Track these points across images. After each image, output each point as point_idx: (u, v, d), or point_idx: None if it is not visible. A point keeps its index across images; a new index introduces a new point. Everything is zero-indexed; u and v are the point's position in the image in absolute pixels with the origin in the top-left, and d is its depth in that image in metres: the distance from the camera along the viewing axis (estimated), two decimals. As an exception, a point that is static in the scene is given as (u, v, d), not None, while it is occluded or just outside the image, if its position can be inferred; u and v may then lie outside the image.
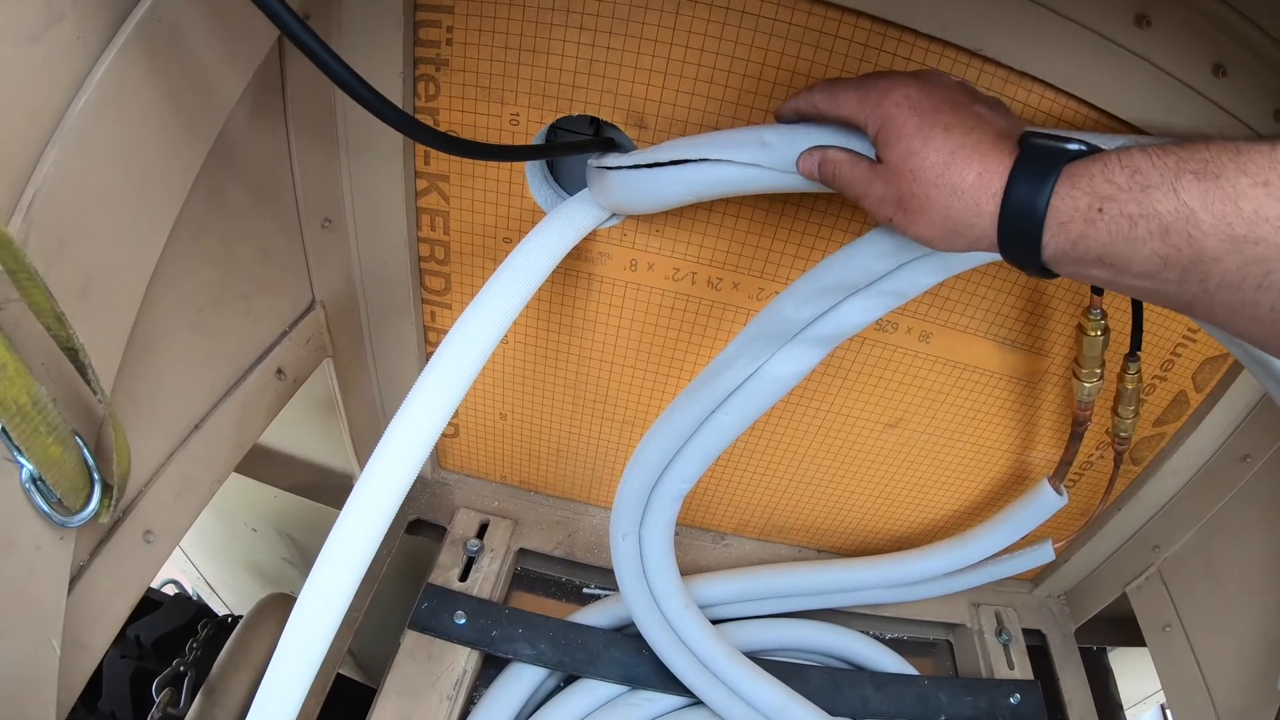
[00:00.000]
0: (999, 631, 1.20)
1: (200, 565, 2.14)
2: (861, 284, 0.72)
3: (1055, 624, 1.25)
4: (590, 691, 1.04)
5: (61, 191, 0.52)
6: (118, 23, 0.52)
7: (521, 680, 1.03)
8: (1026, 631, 1.22)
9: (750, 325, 0.79)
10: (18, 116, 0.48)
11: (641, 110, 0.80)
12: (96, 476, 0.61)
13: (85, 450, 0.60)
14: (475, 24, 0.77)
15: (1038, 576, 1.28)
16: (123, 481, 0.63)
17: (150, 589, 1.65)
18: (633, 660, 1.06)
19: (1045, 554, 1.08)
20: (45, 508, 0.56)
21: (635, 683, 1.05)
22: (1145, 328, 0.90)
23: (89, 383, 0.57)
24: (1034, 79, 0.72)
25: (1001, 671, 1.16)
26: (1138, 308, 0.81)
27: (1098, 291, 0.80)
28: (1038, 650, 1.23)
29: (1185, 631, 1.07)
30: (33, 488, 0.55)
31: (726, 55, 0.75)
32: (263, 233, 0.82)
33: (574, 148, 0.80)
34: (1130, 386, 0.87)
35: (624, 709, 1.03)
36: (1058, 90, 0.72)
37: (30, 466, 0.54)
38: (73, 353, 0.56)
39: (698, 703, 1.04)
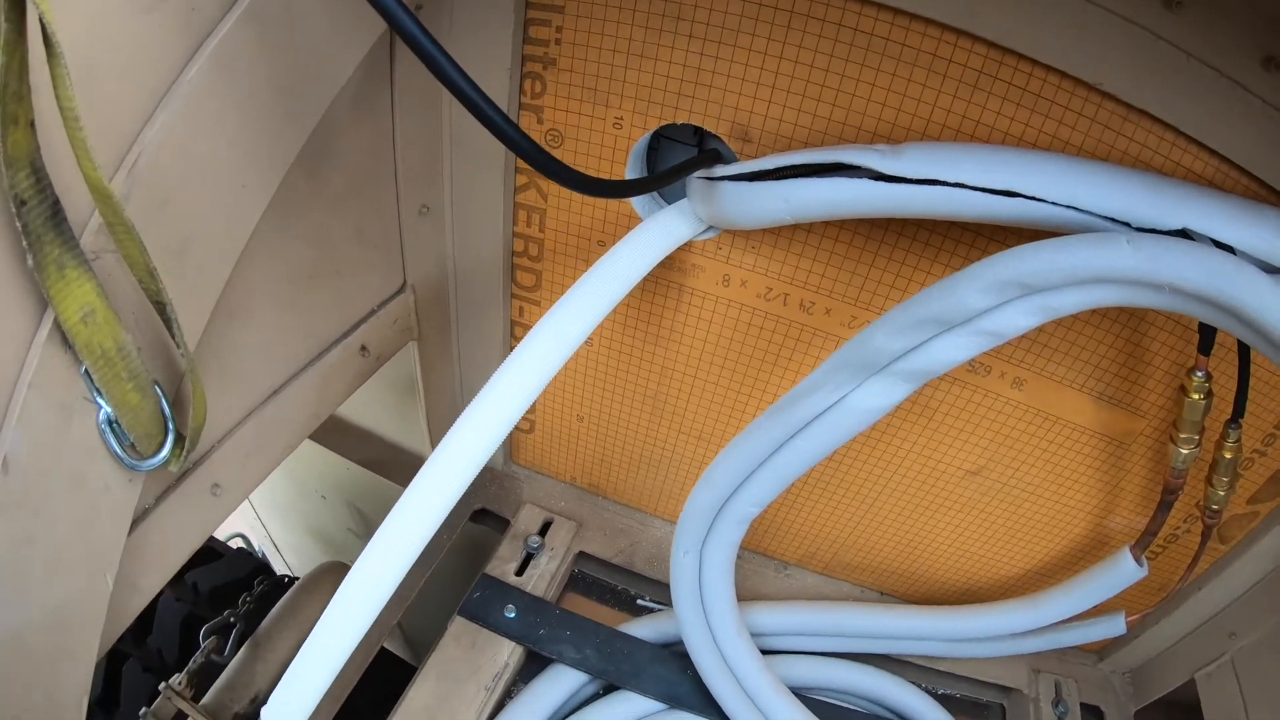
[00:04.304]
0: (1055, 702, 1.12)
1: (268, 524, 2.25)
2: (957, 320, 0.68)
3: (1116, 702, 1.16)
4: (628, 703, 1.02)
5: (166, 154, 0.55)
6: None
7: (561, 682, 1.03)
8: (1085, 707, 1.14)
9: (838, 353, 0.77)
10: (130, 81, 0.51)
11: (746, 123, 0.79)
12: (171, 426, 0.64)
13: (164, 400, 0.63)
14: (585, 25, 0.78)
15: (1104, 649, 1.19)
16: (196, 434, 0.66)
17: (214, 540, 1.77)
18: (676, 679, 1.04)
19: (1117, 626, 1.01)
20: (118, 449, 0.60)
21: (675, 702, 1.03)
22: (1252, 399, 0.82)
23: (174, 337, 0.60)
24: (1152, 118, 0.67)
25: (1051, 744, 1.08)
26: (1244, 370, 0.74)
27: (1204, 351, 0.73)
28: (1093, 728, 1.15)
29: (1250, 731, 0.96)
30: (108, 429, 0.59)
31: (836, 73, 0.73)
32: (359, 214, 0.85)
33: (679, 171, 0.79)
34: (1229, 455, 0.80)
35: (660, 727, 1.01)
36: (1176, 132, 0.67)
37: (108, 409, 0.58)
38: (161, 306, 0.59)
39: (734, 731, 1.00)
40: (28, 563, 0.57)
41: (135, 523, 0.67)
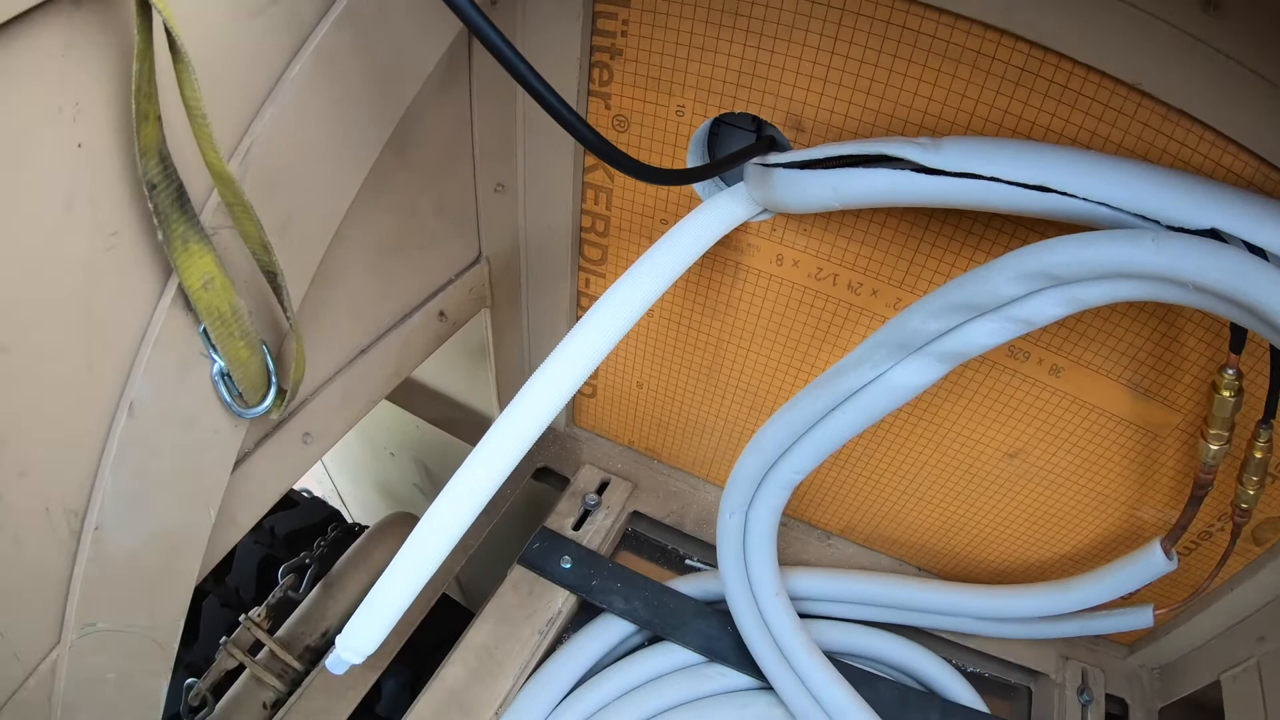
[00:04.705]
0: (1081, 690, 1.13)
1: (337, 479, 2.37)
2: (989, 306, 0.71)
3: (1141, 696, 1.16)
4: (670, 654, 1.08)
5: (274, 143, 0.63)
6: (329, 2, 0.62)
7: (610, 631, 1.10)
8: (1111, 698, 1.15)
9: (879, 332, 0.80)
10: (241, 78, 0.58)
11: (800, 114, 0.82)
12: (274, 380, 0.73)
13: (269, 357, 0.72)
14: (649, 19, 0.83)
15: (1135, 643, 1.19)
16: (295, 387, 0.75)
17: (292, 489, 1.88)
18: (717, 634, 1.09)
19: (1144, 618, 1.01)
20: (228, 398, 0.69)
21: (714, 655, 1.08)
22: None
23: (281, 303, 0.69)
24: (1192, 119, 0.67)
25: (1073, 731, 1.10)
26: (1277, 370, 0.74)
27: (1235, 349, 0.73)
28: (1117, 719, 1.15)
29: (1270, 737, 0.96)
30: (220, 381, 0.68)
31: (885, 68, 0.76)
32: (441, 191, 0.92)
33: (736, 158, 0.83)
34: (1259, 455, 0.80)
35: (698, 678, 1.07)
36: (1216, 133, 0.67)
37: (222, 363, 0.67)
38: (272, 276, 0.67)
39: (768, 688, 1.06)
40: (145, 493, 0.65)
41: (237, 464, 0.76)
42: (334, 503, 2.42)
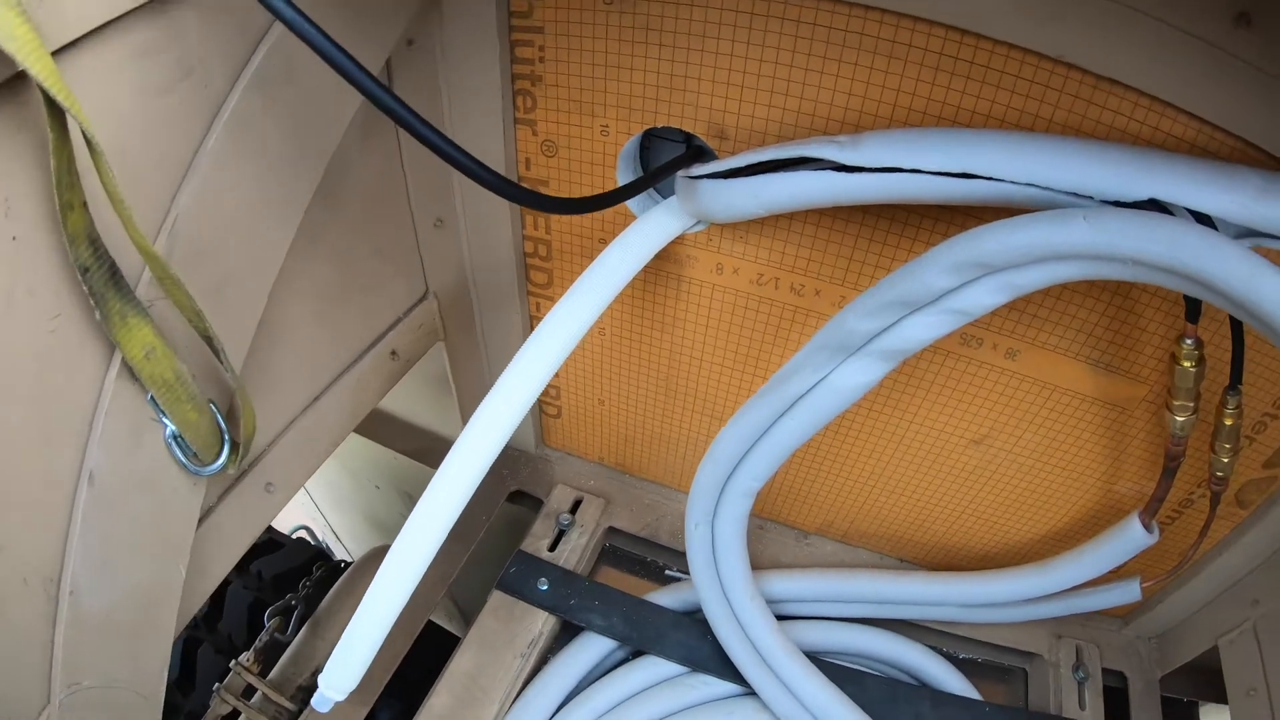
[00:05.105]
0: (1076, 667, 1.13)
1: (329, 515, 2.41)
2: (925, 300, 0.71)
3: (1140, 667, 1.16)
4: (653, 668, 1.09)
5: (198, 213, 0.64)
6: (238, 70, 0.62)
7: (591, 649, 1.10)
8: (1110, 672, 1.15)
9: (817, 335, 0.80)
10: (158, 156, 0.59)
11: (722, 122, 0.83)
12: (226, 436, 0.74)
13: (218, 415, 0.73)
14: (565, 43, 0.84)
15: (1129, 615, 1.20)
16: (248, 441, 0.76)
17: (276, 532, 1.91)
18: (697, 644, 1.10)
19: (1132, 592, 1.01)
20: (183, 459, 0.70)
21: (696, 665, 1.09)
22: (1259, 362, 0.82)
23: (222, 363, 0.70)
24: (1124, 86, 0.66)
25: (1071, 710, 1.10)
26: (1238, 338, 0.74)
27: (1192, 318, 0.73)
28: (1118, 693, 1.15)
29: (1270, 700, 0.97)
30: (173, 443, 0.69)
31: (801, 68, 0.76)
32: (378, 234, 0.93)
33: (660, 173, 0.84)
34: (1229, 422, 0.80)
35: (681, 689, 1.08)
36: (1151, 98, 0.66)
37: (172, 426, 0.68)
38: (209, 339, 0.68)
39: (752, 693, 1.07)
40: (114, 555, 0.67)
41: (202, 519, 0.77)
42: (328, 539, 2.44)
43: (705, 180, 0.80)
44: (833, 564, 1.25)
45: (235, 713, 1.15)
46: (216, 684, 1.17)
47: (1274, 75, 0.60)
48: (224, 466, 0.74)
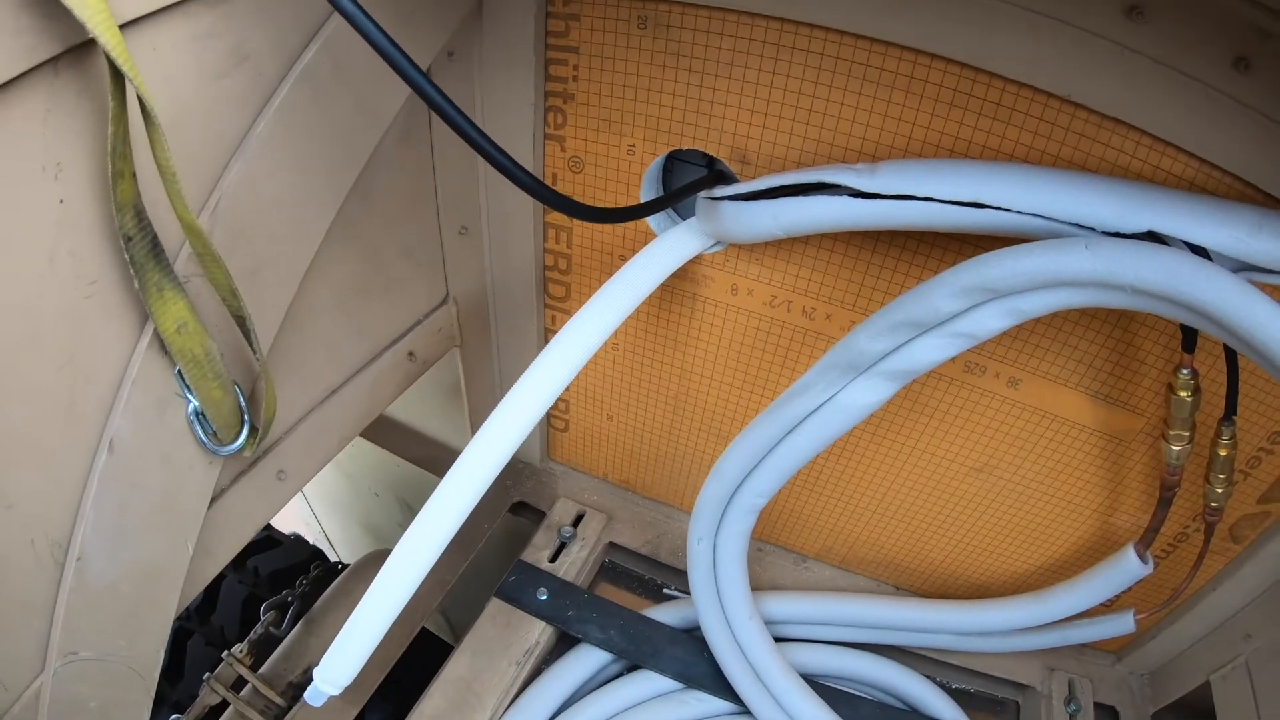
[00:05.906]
0: (1068, 700, 1.13)
1: (324, 521, 2.39)
2: (932, 323, 0.73)
3: (1132, 702, 1.16)
4: (647, 682, 1.09)
5: (241, 196, 0.67)
6: (291, 61, 0.66)
7: (587, 660, 1.10)
8: (1102, 707, 1.15)
9: (828, 354, 0.82)
10: (209, 136, 0.62)
11: (744, 147, 0.87)
12: (247, 419, 0.76)
13: (241, 397, 0.75)
14: (598, 64, 0.87)
15: (1122, 650, 1.20)
16: (267, 425, 0.78)
17: (274, 530, 1.90)
18: (693, 660, 1.10)
19: (1125, 624, 1.01)
20: (203, 436, 0.72)
21: (691, 682, 1.09)
22: (1255, 396, 0.84)
23: (251, 345, 0.72)
24: (1128, 125, 0.70)
25: (1061, 743, 1.10)
26: (1232, 369, 0.76)
27: (1188, 348, 0.75)
28: (1109, 727, 1.15)
29: (1261, 736, 0.97)
30: (195, 420, 0.71)
31: (822, 99, 0.80)
32: (406, 235, 0.96)
33: (682, 193, 0.87)
34: (1223, 453, 0.81)
35: (675, 705, 1.08)
36: (1153, 138, 0.69)
37: (196, 403, 0.70)
38: (241, 320, 0.70)
39: (745, 712, 1.07)
40: (125, 526, 0.68)
41: (213, 500, 0.78)
42: (321, 545, 2.42)
43: (727, 201, 0.83)
44: (830, 588, 1.25)
45: (223, 704, 1.15)
46: (207, 674, 1.17)
47: (1270, 117, 0.63)
48: (241, 448, 0.76)
